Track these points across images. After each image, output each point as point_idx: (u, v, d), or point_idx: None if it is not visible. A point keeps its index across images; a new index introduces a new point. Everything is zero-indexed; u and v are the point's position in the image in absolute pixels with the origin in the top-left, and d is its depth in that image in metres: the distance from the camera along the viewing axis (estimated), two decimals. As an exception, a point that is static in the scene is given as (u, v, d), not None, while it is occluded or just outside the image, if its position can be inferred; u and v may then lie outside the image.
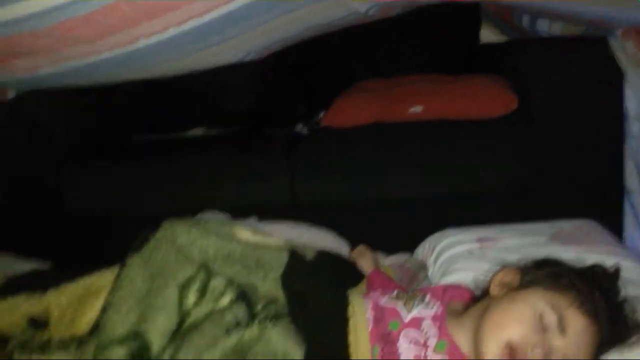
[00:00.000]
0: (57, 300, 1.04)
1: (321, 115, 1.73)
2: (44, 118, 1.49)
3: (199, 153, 1.61)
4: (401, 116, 1.58)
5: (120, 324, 0.87)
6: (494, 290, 0.97)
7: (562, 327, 0.87)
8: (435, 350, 0.90)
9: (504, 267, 1.01)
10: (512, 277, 0.97)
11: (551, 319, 0.87)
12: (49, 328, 1.02)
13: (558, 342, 0.86)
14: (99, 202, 1.53)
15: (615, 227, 1.46)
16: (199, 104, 1.70)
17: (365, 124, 1.60)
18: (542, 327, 0.87)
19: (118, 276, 0.95)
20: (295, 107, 1.79)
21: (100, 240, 1.53)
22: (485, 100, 1.56)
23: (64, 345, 0.91)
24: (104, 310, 0.91)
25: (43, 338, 0.94)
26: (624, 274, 0.99)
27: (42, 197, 1.54)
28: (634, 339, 0.90)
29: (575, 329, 0.87)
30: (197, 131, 1.74)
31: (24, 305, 1.02)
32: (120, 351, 0.84)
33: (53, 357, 0.88)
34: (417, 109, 1.55)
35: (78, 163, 1.51)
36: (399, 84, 1.70)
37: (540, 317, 0.88)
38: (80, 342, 0.91)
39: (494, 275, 0.99)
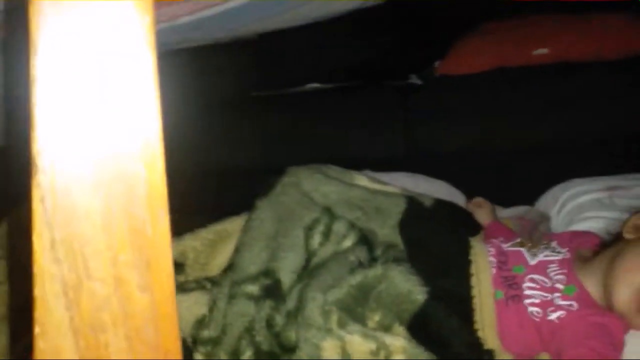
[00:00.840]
0: (192, 244, 1.12)
1: (436, 64, 1.69)
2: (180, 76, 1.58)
3: (315, 107, 1.64)
4: (526, 59, 1.51)
5: (252, 263, 0.93)
6: (627, 234, 0.92)
7: None
8: (563, 295, 0.88)
9: (638, 211, 0.96)
10: (646, 220, 0.92)
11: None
12: (185, 270, 1.11)
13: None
14: (222, 157, 1.62)
15: None
16: (312, 59, 1.73)
17: (486, 70, 1.54)
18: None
19: (248, 219, 1.01)
20: (409, 58, 1.76)
21: (224, 193, 1.62)
22: (618, 38, 1.45)
23: (200, 285, 0.99)
24: (237, 250, 0.97)
25: (180, 279, 1.03)
26: None
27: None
28: None
29: None
30: (313, 86, 1.77)
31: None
32: (253, 288, 0.90)
33: (190, 295, 0.97)
34: (543, 51, 1.47)
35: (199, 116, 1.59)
36: (522, 24, 1.61)
37: (679, 261, 0.83)
38: (214, 282, 0.99)
39: (627, 219, 0.95)
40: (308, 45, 1.67)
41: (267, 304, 0.87)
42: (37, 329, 0.25)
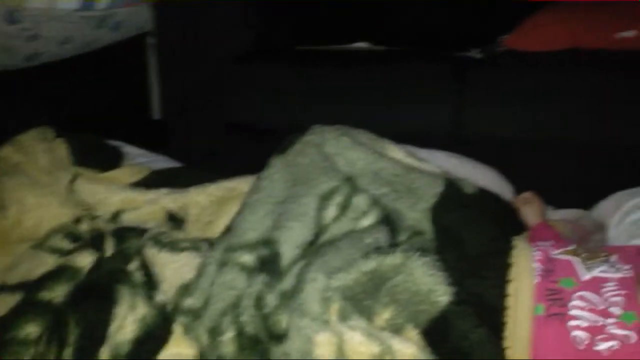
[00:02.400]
0: (197, 199, 1.01)
1: (501, 39, 1.51)
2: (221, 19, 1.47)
3: (358, 68, 1.49)
4: (607, 41, 1.32)
5: (252, 228, 0.81)
6: None
7: None
8: (618, 322, 0.72)
9: None
10: None
11: None
12: (186, 226, 1.00)
13: None
14: (257, 111, 1.50)
15: None
16: (363, 16, 1.57)
17: (559, 49, 1.37)
18: None
19: (258, 178, 0.88)
20: (471, 27, 1.59)
21: (253, 150, 1.51)
22: None
23: (194, 245, 0.87)
24: (240, 211, 0.85)
25: (177, 236, 0.91)
26: None
27: (198, 99, 1.54)
28: None
29: None
30: (361, 45, 1.62)
31: (165, 200, 1.01)
32: (249, 257, 0.78)
33: (181, 256, 0.85)
34: (628, 34, 1.28)
35: (239, 70, 1.48)
36: (604, 4, 1.43)
37: None
38: (211, 243, 0.87)
39: None
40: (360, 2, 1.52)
41: (260, 279, 0.74)
42: None
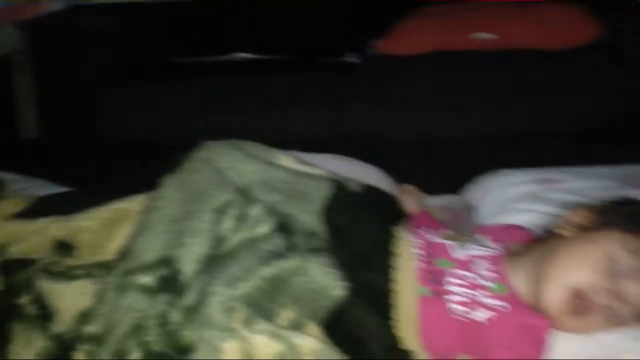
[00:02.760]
0: (86, 224, 0.99)
1: (375, 43, 1.61)
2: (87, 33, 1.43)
3: (242, 78, 1.52)
4: (466, 43, 1.46)
5: (150, 249, 0.81)
6: (563, 230, 0.87)
7: (638, 274, 0.77)
8: (493, 294, 0.82)
9: (577, 206, 0.91)
10: (584, 217, 0.87)
11: (626, 263, 0.78)
12: (77, 253, 0.98)
13: (633, 290, 0.77)
14: (133, 124, 1.48)
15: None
16: (242, 27, 1.60)
17: (426, 52, 1.48)
18: (615, 272, 0.77)
19: (151, 198, 0.88)
20: (346, 35, 1.67)
21: (134, 165, 1.49)
22: (563, 28, 1.42)
23: (88, 271, 0.86)
24: (134, 233, 0.85)
25: (68, 263, 0.89)
26: None
27: (75, 118, 1.50)
28: None
29: None
30: (240, 55, 1.65)
31: (52, 228, 0.98)
32: (148, 278, 0.78)
33: (75, 284, 0.84)
34: (487, 36, 1.42)
35: (113, 83, 1.45)
36: (466, 8, 1.57)
37: (614, 261, 0.78)
38: (107, 268, 0.86)
39: (564, 215, 0.89)
40: (234, 10, 1.55)
41: (163, 298, 0.75)
42: None
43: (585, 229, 0.85)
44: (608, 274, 0.78)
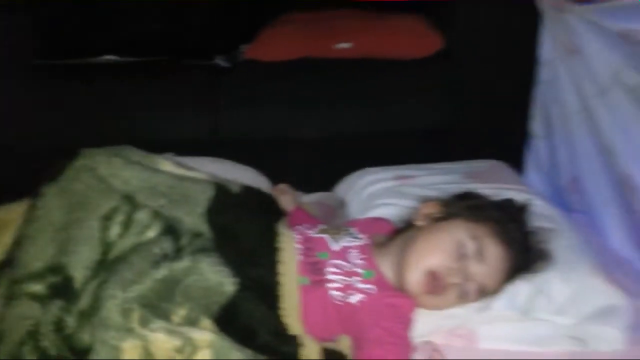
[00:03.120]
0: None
1: (244, 48, 1.67)
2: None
3: (111, 81, 1.50)
4: (329, 52, 1.57)
5: (37, 258, 0.82)
6: (418, 221, 1.01)
7: (480, 256, 0.92)
8: (363, 279, 0.93)
9: (427, 200, 1.05)
10: (434, 209, 1.01)
11: (470, 247, 0.92)
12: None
13: (476, 269, 0.92)
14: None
15: (516, 169, 1.57)
16: (108, 28, 1.58)
17: (292, 59, 1.57)
18: (462, 255, 0.92)
19: (32, 207, 0.88)
20: (214, 38, 1.71)
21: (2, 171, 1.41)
22: (412, 39, 1.59)
23: None
24: (18, 243, 0.85)
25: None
26: (532, 208, 1.07)
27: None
28: (540, 266, 0.97)
29: (492, 256, 0.93)
30: (109, 58, 1.62)
31: None
32: (38, 286, 0.79)
33: None
34: (345, 45, 1.54)
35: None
36: (327, 17, 1.68)
37: (461, 246, 0.92)
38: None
39: (418, 208, 1.03)
40: (100, 11, 1.53)
41: (56, 305, 0.77)
42: None
43: (436, 220, 0.99)
44: (456, 257, 0.92)
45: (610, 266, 1.06)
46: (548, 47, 1.44)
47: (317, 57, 1.58)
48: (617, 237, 1.26)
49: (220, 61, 1.71)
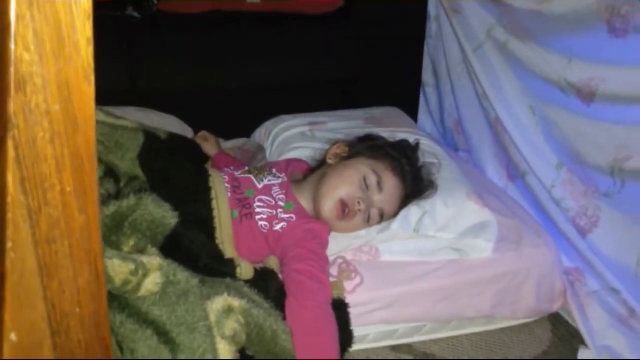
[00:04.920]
0: None
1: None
2: None
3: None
4: (238, 5, 1.66)
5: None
6: (329, 160, 1.18)
7: (380, 186, 1.12)
8: (284, 210, 1.10)
9: (336, 142, 1.22)
10: (342, 149, 1.19)
11: (372, 180, 1.11)
12: None
13: (377, 198, 1.12)
14: None
15: (412, 114, 1.78)
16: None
17: (202, 11, 1.63)
18: (365, 187, 1.11)
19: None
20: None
21: None
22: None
23: None
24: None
25: None
26: (422, 147, 1.28)
27: None
28: (428, 193, 1.19)
29: (389, 187, 1.12)
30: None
31: None
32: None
33: None
34: (255, 0, 1.64)
35: None
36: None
37: (364, 179, 1.11)
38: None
39: (328, 149, 1.21)
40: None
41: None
42: (9, 244, 0.30)
43: (343, 158, 1.17)
44: (361, 188, 1.11)
45: (487, 193, 1.29)
46: (434, 5, 1.64)
47: (227, 10, 1.66)
48: (492, 170, 1.51)
49: (131, 12, 1.74)
